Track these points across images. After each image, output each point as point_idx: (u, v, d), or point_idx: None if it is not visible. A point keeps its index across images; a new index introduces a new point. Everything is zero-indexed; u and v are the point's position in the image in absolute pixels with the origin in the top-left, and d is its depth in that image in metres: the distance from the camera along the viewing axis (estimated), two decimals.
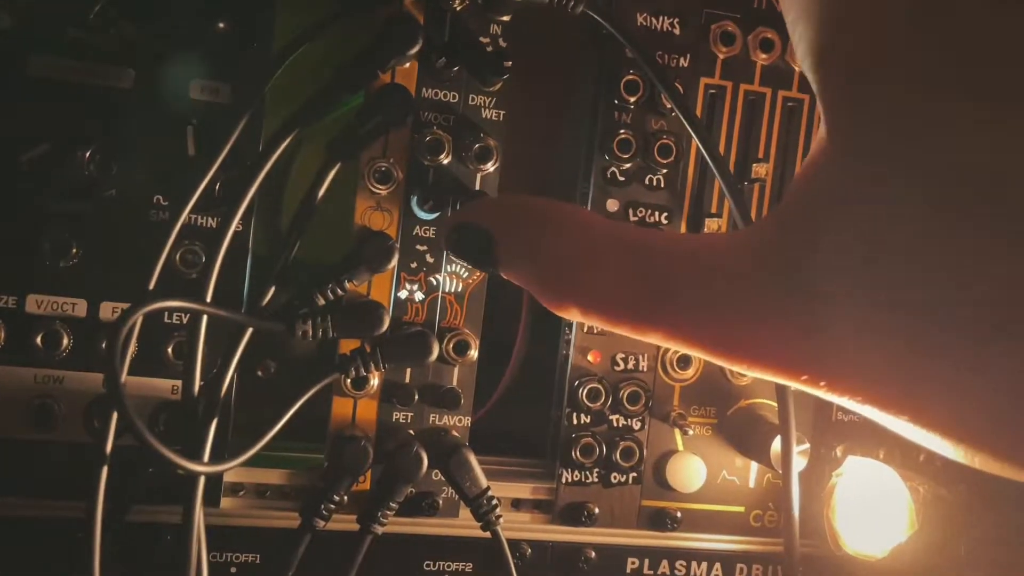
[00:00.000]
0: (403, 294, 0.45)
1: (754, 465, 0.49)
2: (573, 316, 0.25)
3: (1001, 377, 0.18)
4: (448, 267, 0.45)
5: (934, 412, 0.19)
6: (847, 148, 0.20)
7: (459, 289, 0.45)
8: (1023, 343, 0.18)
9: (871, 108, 0.19)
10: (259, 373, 0.46)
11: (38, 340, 0.40)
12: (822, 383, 0.21)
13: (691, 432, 0.48)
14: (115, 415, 0.36)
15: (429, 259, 0.45)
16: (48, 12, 0.39)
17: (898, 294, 0.19)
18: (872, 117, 0.19)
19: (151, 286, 0.37)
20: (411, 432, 0.44)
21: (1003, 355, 0.18)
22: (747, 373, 0.24)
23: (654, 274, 0.23)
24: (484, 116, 0.45)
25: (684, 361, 0.48)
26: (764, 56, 0.47)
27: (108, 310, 0.41)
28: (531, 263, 0.26)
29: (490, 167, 0.44)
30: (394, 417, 0.45)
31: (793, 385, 0.22)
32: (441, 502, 0.45)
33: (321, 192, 0.41)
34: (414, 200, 0.44)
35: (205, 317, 0.38)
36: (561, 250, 0.25)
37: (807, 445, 0.46)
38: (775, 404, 0.47)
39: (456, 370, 0.45)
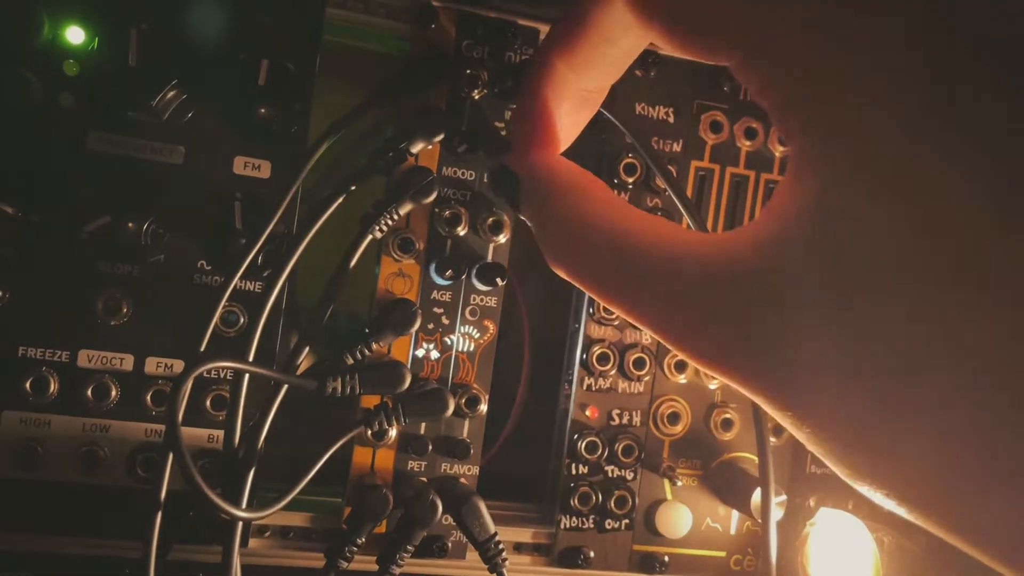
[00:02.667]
0: (420, 352, 0.49)
1: (735, 514, 0.53)
2: (561, 275, 0.28)
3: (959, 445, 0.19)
4: (462, 328, 0.49)
5: (882, 466, 0.21)
6: (831, 196, 0.21)
7: (471, 348, 0.50)
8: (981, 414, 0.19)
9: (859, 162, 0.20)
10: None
11: (88, 392, 0.44)
12: (765, 394, 0.23)
13: (679, 483, 0.52)
14: (169, 462, 0.40)
15: (445, 321, 0.49)
16: (110, 95, 0.44)
17: (867, 343, 0.20)
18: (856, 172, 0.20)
19: (203, 348, 0.41)
20: (425, 480, 0.48)
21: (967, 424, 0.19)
22: (708, 372, 0.25)
23: (630, 262, 0.25)
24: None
25: (673, 417, 0.52)
26: (748, 143, 0.53)
27: (153, 365, 0.45)
28: (538, 219, 0.29)
29: (502, 239, 0.49)
30: (409, 466, 0.49)
31: (746, 393, 0.23)
32: (451, 545, 0.49)
33: (353, 261, 0.45)
34: (432, 267, 0.48)
35: (247, 375, 0.42)
36: (561, 219, 0.28)
37: (784, 497, 0.50)
38: (755, 458, 0.51)
39: (467, 423, 0.49)
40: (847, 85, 0.21)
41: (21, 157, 0.43)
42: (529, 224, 0.31)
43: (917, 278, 0.20)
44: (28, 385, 0.43)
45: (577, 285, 0.28)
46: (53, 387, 0.44)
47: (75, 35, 0.43)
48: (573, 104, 0.32)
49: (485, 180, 0.49)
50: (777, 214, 0.22)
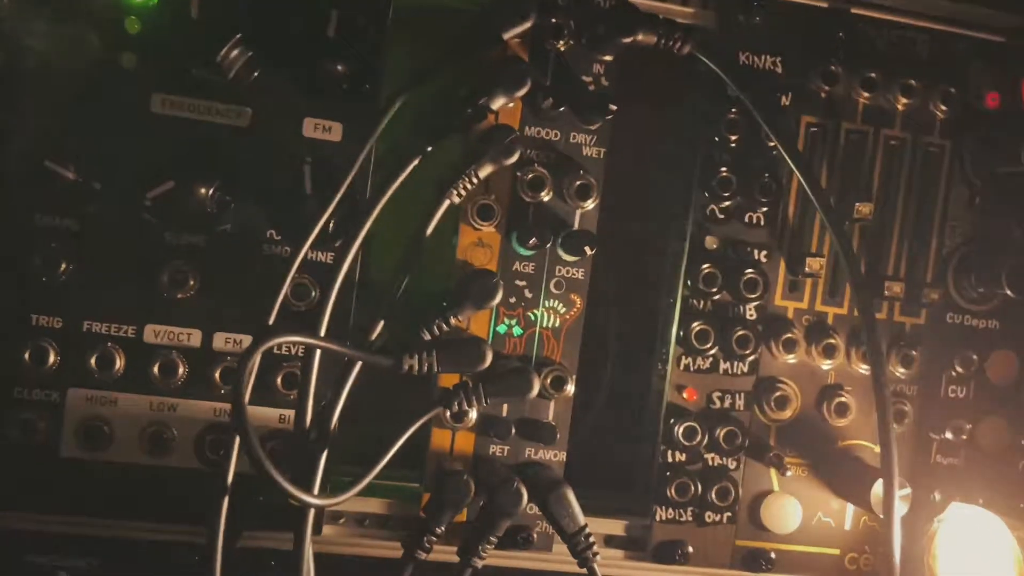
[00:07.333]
0: (502, 328, 0.45)
1: (850, 507, 0.48)
2: None
3: None
4: (546, 302, 0.45)
5: None
6: None
7: (556, 324, 0.46)
8: None
9: None
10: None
11: (155, 369, 0.42)
12: None
13: (788, 473, 0.47)
14: (236, 445, 0.37)
15: (528, 295, 0.45)
16: (173, 52, 0.41)
17: None
18: None
19: (271, 321, 0.38)
20: (508, 466, 0.45)
21: None
22: None
23: None
24: (585, 153, 0.45)
25: (781, 401, 0.47)
26: (866, 95, 0.47)
27: (221, 340, 0.43)
28: None
29: (589, 204, 0.45)
30: (491, 450, 0.45)
31: None
32: (536, 536, 0.45)
33: (430, 229, 0.41)
34: (514, 236, 0.44)
35: (318, 351, 0.39)
36: None
37: (909, 490, 0.45)
38: (875, 446, 0.46)
39: (552, 404, 0.46)
40: None
41: (82, 120, 0.41)
42: None
43: None
44: (93, 361, 0.41)
45: None
46: (119, 363, 0.42)
47: None
48: None
49: (571, 140, 0.45)
50: None
